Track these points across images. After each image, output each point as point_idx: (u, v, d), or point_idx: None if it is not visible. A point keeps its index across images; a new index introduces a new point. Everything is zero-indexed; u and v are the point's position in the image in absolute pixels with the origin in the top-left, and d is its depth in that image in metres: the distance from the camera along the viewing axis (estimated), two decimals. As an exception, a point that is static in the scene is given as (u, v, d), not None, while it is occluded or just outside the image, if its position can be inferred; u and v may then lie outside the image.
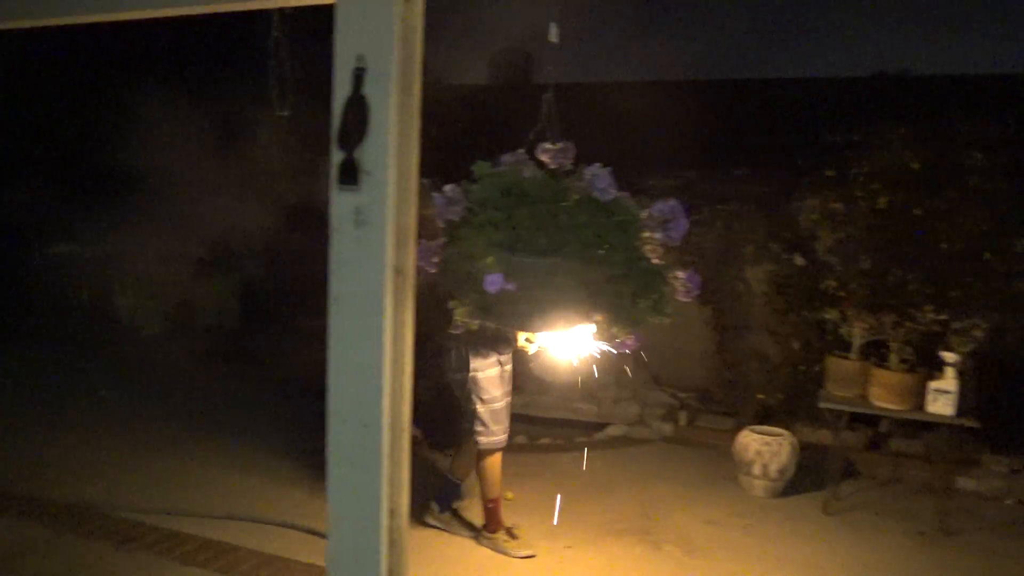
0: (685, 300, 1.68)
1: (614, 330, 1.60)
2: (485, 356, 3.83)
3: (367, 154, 1.96)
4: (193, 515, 4.13)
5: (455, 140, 5.12)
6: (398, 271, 2.08)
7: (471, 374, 3.84)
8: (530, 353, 3.73)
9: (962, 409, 4.29)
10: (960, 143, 5.86)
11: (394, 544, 2.19)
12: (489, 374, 3.86)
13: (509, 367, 3.93)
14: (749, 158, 6.74)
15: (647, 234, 1.55)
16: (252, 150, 6.52)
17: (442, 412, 5.41)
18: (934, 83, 11.28)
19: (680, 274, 1.63)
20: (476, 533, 4.08)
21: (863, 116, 6.31)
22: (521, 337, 3.72)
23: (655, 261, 1.58)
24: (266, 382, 6.61)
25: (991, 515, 4.70)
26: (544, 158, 1.59)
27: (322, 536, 2.16)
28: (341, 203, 2.00)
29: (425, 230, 1.70)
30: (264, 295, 7.95)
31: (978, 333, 4.60)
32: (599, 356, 3.67)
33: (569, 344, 3.59)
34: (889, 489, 5.05)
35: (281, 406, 6.01)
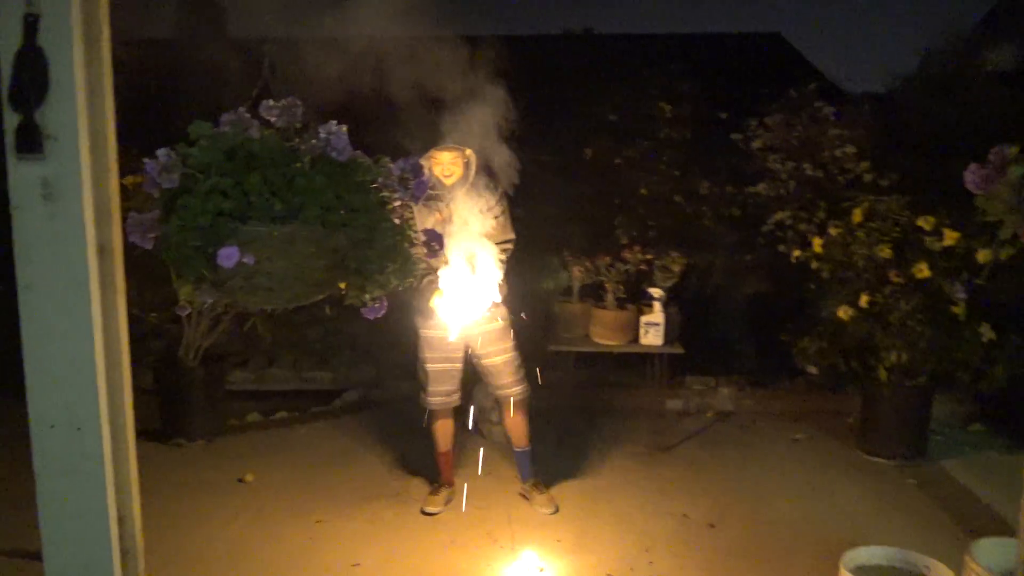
0: (431, 259, 1.64)
1: (363, 296, 1.53)
2: (427, 316, 3.77)
3: (51, 117, 1.67)
4: None
5: (155, 99, 4.63)
6: (102, 249, 1.82)
7: (418, 330, 3.85)
8: (436, 311, 3.66)
9: (669, 338, 4.78)
10: (650, 97, 6.44)
11: (128, 553, 1.97)
12: (426, 334, 3.83)
13: (465, 333, 3.78)
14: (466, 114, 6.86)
15: (388, 194, 1.49)
16: None
17: (164, 398, 4.98)
18: (615, 41, 12.29)
19: (423, 234, 1.60)
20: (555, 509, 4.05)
21: (563, 73, 6.69)
22: (434, 299, 3.65)
23: (397, 222, 1.53)
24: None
25: (695, 428, 5.32)
26: (269, 116, 1.46)
27: (37, 558, 1.88)
28: (23, 175, 1.70)
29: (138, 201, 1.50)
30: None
31: (676, 268, 5.13)
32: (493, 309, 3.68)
33: (465, 302, 3.58)
34: (613, 418, 5.51)
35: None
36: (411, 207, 3.72)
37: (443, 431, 4.07)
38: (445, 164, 3.68)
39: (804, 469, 4.62)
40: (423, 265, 3.66)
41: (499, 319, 3.85)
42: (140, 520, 2.03)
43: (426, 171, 3.66)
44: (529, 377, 4.05)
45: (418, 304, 3.80)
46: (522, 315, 3.98)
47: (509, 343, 3.92)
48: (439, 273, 3.62)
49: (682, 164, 6.38)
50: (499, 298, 3.76)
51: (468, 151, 3.69)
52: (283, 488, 4.26)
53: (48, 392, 1.77)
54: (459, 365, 3.92)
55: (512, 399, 3.99)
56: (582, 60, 7.93)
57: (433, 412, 4.00)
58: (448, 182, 3.71)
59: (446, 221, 3.70)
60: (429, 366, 3.89)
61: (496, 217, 3.81)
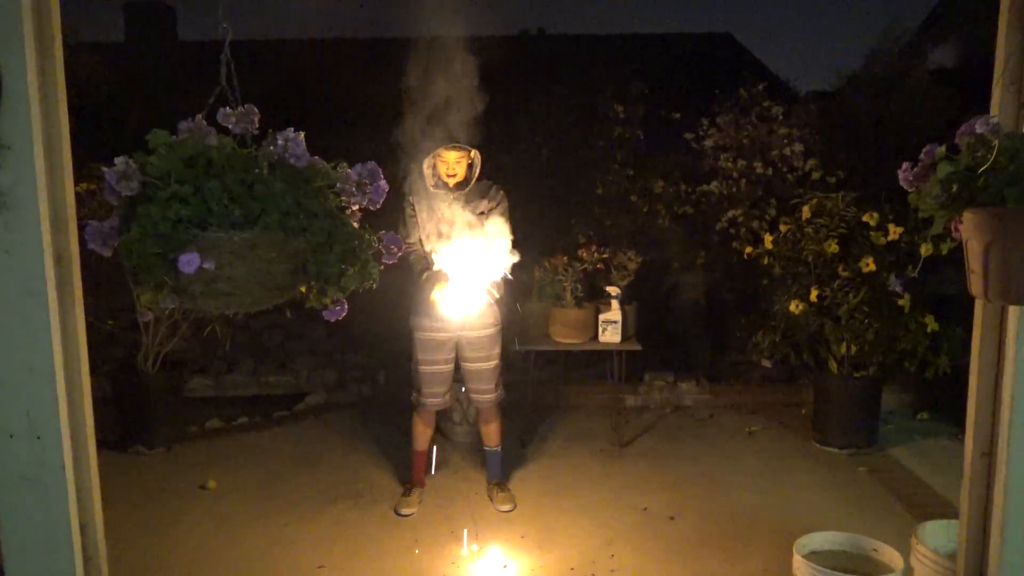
0: (390, 263, 1.68)
1: (324, 299, 1.56)
2: (421, 317, 3.82)
3: (5, 126, 1.68)
4: None
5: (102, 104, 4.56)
6: (60, 257, 1.83)
7: (412, 332, 3.90)
8: (440, 305, 3.68)
9: (627, 335, 4.86)
10: (604, 97, 6.51)
11: (90, 561, 1.97)
12: (419, 336, 3.86)
13: (458, 335, 3.85)
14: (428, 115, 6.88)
15: (346, 198, 1.52)
16: None
17: (123, 406, 4.92)
18: (569, 42, 12.40)
19: (381, 237, 1.63)
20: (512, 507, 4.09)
21: (522, 73, 6.74)
22: (435, 292, 3.68)
23: (356, 225, 1.55)
24: None
25: (654, 424, 5.42)
26: (226, 123, 1.48)
27: (-3, 571, 1.87)
28: (-23, 184, 1.69)
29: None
30: None
31: (632, 266, 5.20)
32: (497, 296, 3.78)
33: (465, 292, 3.64)
34: (574, 415, 5.59)
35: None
36: (413, 206, 3.78)
37: (424, 431, 4.10)
38: (450, 163, 3.67)
39: (760, 460, 4.74)
40: (420, 266, 3.73)
41: (492, 325, 3.89)
42: (102, 528, 2.03)
43: (429, 169, 3.70)
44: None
45: (414, 306, 3.84)
46: (517, 306, 4.19)
47: (496, 350, 3.97)
48: (440, 269, 3.68)
49: (636, 163, 6.48)
50: (496, 297, 3.81)
51: (474, 151, 3.70)
52: (246, 493, 4.25)
53: (7, 402, 1.77)
54: (452, 366, 3.96)
55: (488, 404, 4.04)
56: (537, 61, 8.00)
57: (420, 412, 4.03)
58: (452, 182, 3.70)
59: (448, 220, 3.72)
60: (423, 368, 3.91)
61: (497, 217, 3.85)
